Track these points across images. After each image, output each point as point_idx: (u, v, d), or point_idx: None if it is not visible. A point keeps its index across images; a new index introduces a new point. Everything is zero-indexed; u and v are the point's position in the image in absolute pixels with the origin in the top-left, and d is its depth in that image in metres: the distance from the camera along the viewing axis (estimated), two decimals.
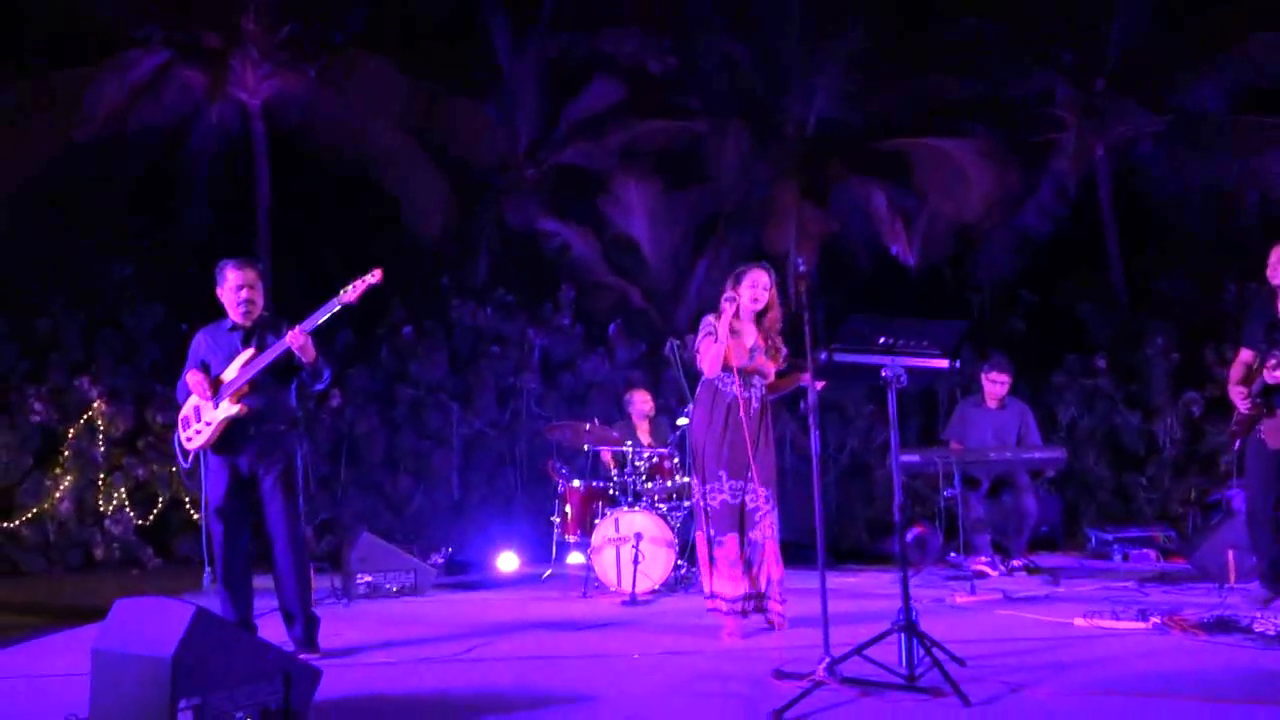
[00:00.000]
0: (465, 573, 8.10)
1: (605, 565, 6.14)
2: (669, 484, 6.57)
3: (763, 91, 12.94)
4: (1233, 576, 5.82)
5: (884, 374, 3.66)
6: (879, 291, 12.76)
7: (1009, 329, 11.88)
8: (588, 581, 6.33)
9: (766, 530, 4.61)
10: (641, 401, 7.57)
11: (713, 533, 4.60)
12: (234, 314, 4.46)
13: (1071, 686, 3.54)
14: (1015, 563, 6.89)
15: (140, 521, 10.39)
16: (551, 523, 7.25)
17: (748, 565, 4.57)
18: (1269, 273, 5.09)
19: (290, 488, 4.39)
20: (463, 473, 10.77)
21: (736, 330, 4.68)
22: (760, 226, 12.53)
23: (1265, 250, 5.11)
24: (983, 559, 6.79)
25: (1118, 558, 7.63)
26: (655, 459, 6.58)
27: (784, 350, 4.77)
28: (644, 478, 6.50)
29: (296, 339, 4.21)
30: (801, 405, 9.37)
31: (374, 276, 4.32)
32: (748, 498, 4.59)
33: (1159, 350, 10.74)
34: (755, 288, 4.67)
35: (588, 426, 6.97)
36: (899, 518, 3.70)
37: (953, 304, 12.58)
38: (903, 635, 3.53)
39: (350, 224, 12.47)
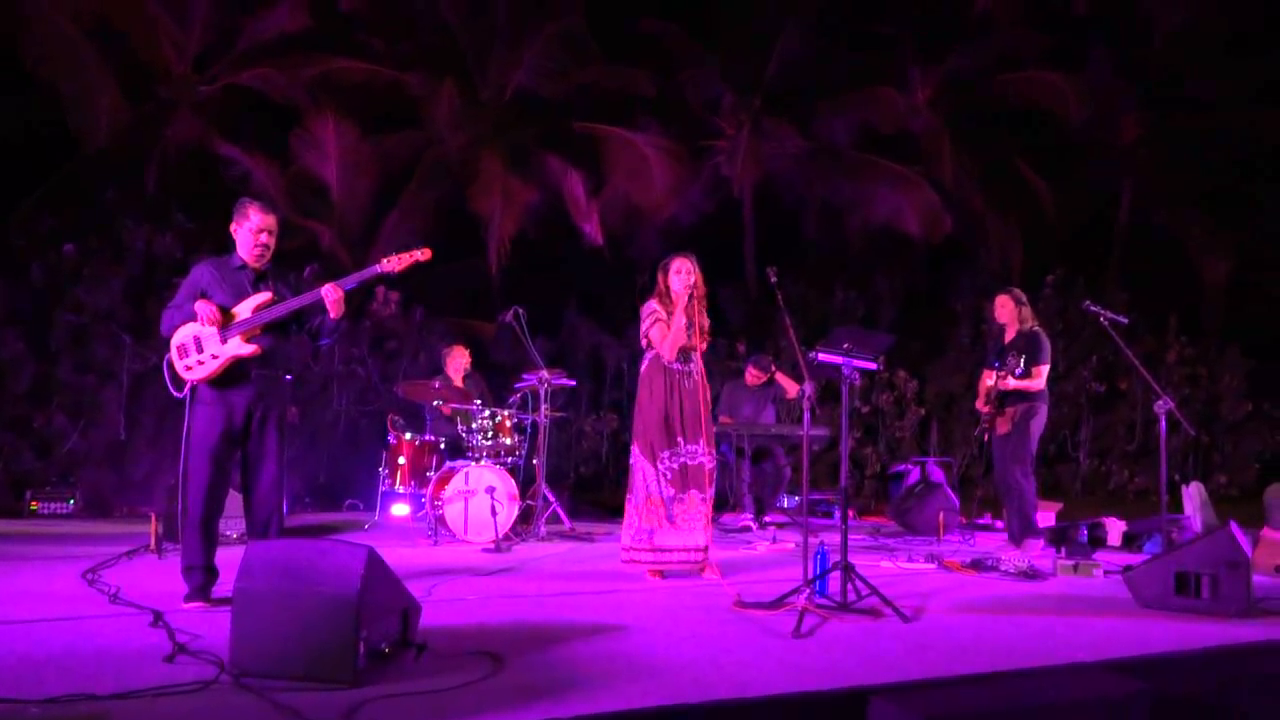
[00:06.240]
0: None
1: (454, 516, 6.29)
2: (509, 441, 6.76)
3: (467, 48, 12.94)
4: (942, 532, 7.33)
5: (844, 372, 4.57)
6: (560, 267, 13.42)
7: None
8: (436, 531, 6.41)
9: (710, 488, 5.08)
10: (460, 356, 7.63)
11: (672, 492, 4.95)
12: (247, 254, 4.21)
13: (946, 608, 4.51)
14: (766, 518, 7.97)
15: None
16: (378, 474, 7.08)
17: (700, 519, 5.00)
18: (995, 314, 6.74)
19: (283, 434, 4.22)
20: (129, 412, 9.69)
21: (671, 314, 5.03)
22: (462, 187, 12.58)
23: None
24: (747, 515, 7.79)
25: (836, 516, 9.02)
26: (499, 417, 6.71)
27: (708, 324, 5.18)
28: (487, 435, 6.63)
29: (333, 293, 4.09)
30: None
31: (423, 254, 4.29)
32: (704, 459, 5.04)
33: (790, 342, 12.62)
34: (682, 274, 5.04)
35: (436, 384, 6.96)
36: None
37: (619, 282, 13.61)
38: (840, 572, 4.29)
39: None
